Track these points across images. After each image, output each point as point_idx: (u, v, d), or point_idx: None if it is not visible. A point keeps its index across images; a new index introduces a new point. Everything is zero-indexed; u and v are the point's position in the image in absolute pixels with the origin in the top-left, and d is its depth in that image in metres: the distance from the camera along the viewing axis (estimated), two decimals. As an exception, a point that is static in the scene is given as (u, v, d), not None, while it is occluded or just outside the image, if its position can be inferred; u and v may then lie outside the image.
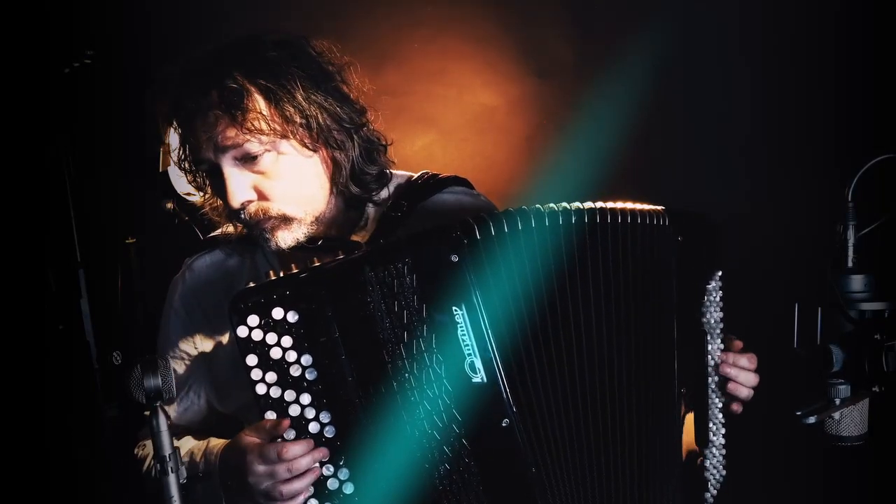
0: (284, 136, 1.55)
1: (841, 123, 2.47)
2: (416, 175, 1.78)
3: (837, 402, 1.45)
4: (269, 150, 1.55)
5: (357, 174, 1.65)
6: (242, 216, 1.59)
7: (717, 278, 1.67)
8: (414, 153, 2.88)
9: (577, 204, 1.47)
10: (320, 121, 1.57)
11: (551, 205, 1.45)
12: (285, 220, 1.59)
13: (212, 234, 1.80)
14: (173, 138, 1.72)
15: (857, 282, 1.43)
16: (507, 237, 1.41)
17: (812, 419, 1.44)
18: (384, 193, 1.72)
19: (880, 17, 2.39)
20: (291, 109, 1.54)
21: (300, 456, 1.41)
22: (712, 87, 2.68)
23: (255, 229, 1.60)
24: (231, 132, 1.52)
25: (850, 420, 1.47)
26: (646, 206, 1.54)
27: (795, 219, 2.48)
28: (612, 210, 1.49)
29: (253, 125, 1.52)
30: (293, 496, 1.43)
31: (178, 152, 1.65)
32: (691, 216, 1.62)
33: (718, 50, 2.63)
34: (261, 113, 1.53)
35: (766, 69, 2.63)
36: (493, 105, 2.97)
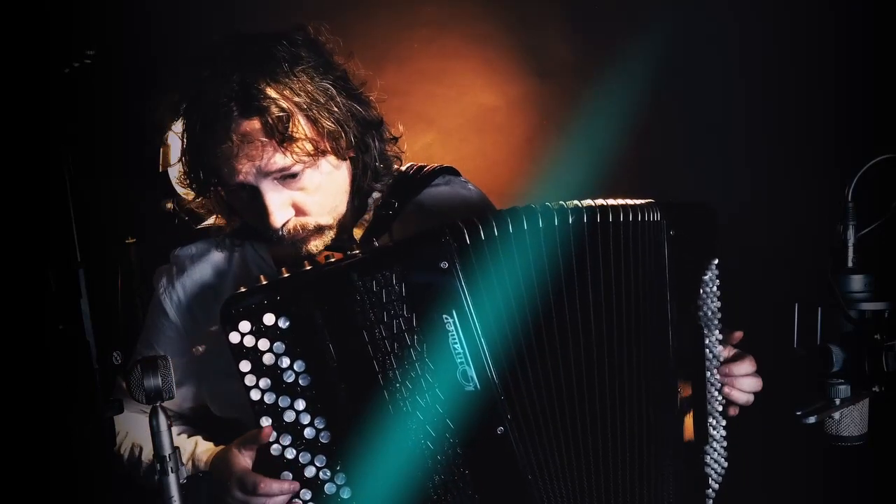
0: (325, 153, 1.54)
1: (841, 123, 2.47)
2: (404, 168, 1.78)
3: (837, 402, 1.44)
4: (310, 167, 1.53)
5: (378, 171, 1.65)
6: (280, 232, 1.56)
7: (714, 267, 1.65)
8: (414, 153, 2.87)
9: (574, 202, 1.45)
10: (354, 130, 1.56)
11: (547, 203, 1.43)
12: (319, 230, 1.59)
13: (201, 226, 1.77)
14: (173, 138, 1.70)
15: (857, 282, 1.43)
16: (499, 240, 1.39)
17: (812, 419, 1.43)
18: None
19: (880, 18, 2.39)
20: (331, 126, 1.52)
21: (275, 494, 1.41)
22: (712, 87, 2.68)
23: (289, 241, 1.58)
24: (278, 157, 1.48)
25: (850, 420, 1.47)
26: (637, 201, 1.52)
27: (795, 219, 2.48)
28: (609, 207, 1.47)
29: (302, 147, 1.49)
30: None
31: (187, 173, 1.57)
32: (683, 207, 1.59)
33: (718, 50, 2.63)
34: (307, 136, 1.50)
35: (766, 69, 2.63)
36: (493, 105, 2.97)
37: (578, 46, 2.86)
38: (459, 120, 2.98)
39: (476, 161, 2.93)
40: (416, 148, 2.90)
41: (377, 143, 1.63)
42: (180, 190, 1.69)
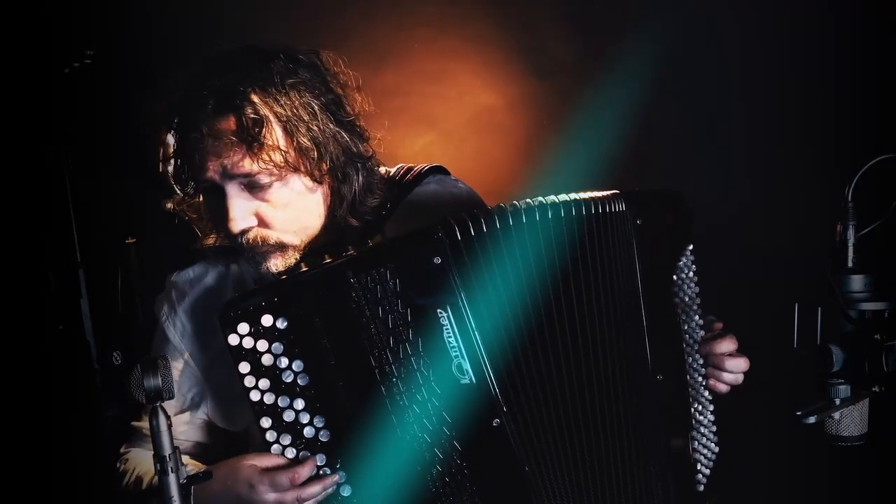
0: (297, 170, 1.53)
1: (841, 123, 2.47)
2: (392, 170, 1.77)
3: (837, 402, 1.45)
4: (279, 180, 1.52)
5: (356, 206, 1.63)
6: (239, 240, 1.56)
7: (689, 253, 1.67)
8: (414, 153, 2.88)
9: (551, 197, 1.47)
10: (333, 154, 1.55)
11: (528, 200, 1.46)
12: (281, 248, 1.57)
13: (195, 247, 1.75)
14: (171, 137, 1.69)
15: (857, 282, 1.43)
16: (488, 236, 1.41)
17: (812, 419, 1.43)
18: None
19: (880, 18, 2.39)
20: (307, 143, 1.51)
21: (308, 475, 1.41)
22: (712, 87, 2.68)
23: (249, 252, 1.57)
24: (245, 162, 1.49)
25: (850, 420, 1.47)
26: (602, 193, 1.54)
27: (795, 219, 2.48)
28: (581, 201, 1.49)
29: (270, 157, 1.48)
30: None
31: (174, 162, 1.58)
32: (649, 195, 1.61)
33: (718, 50, 2.63)
34: (278, 146, 1.49)
35: (766, 69, 2.63)
36: (492, 105, 2.97)
37: (578, 46, 2.86)
38: (459, 120, 2.98)
39: (476, 161, 2.93)
40: (415, 148, 2.90)
41: (361, 178, 1.61)
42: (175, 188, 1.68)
